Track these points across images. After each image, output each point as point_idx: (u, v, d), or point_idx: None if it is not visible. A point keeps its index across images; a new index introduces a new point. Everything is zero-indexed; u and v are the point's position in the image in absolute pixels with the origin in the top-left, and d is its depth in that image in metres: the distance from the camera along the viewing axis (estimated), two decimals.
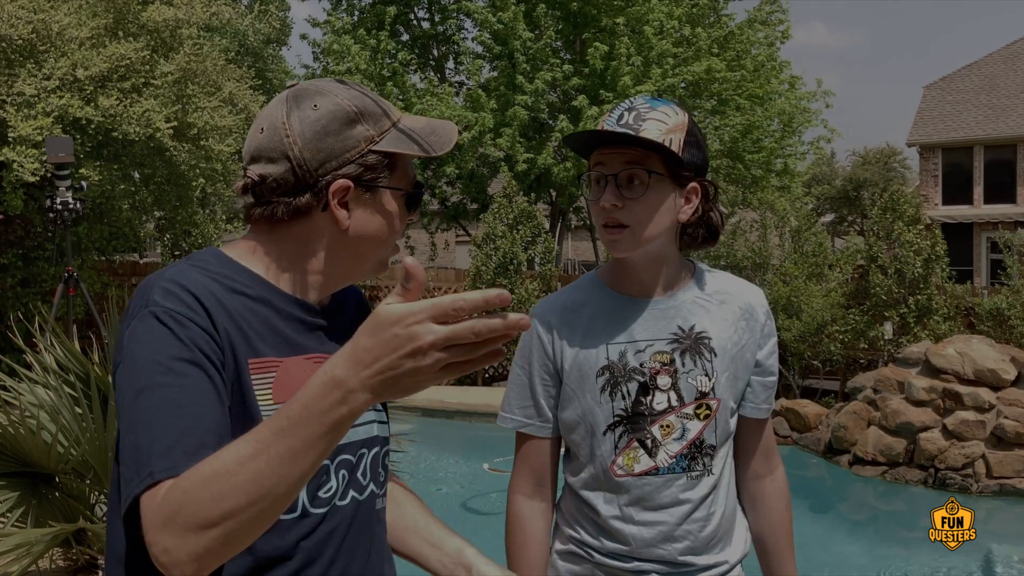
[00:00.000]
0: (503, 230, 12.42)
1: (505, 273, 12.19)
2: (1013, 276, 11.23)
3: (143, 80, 9.33)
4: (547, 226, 16.15)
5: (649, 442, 1.76)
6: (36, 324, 4.82)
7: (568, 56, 18.31)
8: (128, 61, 9.02)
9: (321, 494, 1.32)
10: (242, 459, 1.01)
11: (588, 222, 20.97)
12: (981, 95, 26.87)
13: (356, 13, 19.00)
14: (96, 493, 4.31)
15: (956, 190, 26.05)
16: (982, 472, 7.53)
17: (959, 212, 25.12)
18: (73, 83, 8.80)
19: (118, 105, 8.85)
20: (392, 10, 17.87)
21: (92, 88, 8.92)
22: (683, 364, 1.76)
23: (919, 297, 10.48)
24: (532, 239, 12.79)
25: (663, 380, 1.75)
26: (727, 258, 12.58)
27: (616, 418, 1.76)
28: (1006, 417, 7.54)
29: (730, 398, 1.79)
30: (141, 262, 12.97)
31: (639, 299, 1.80)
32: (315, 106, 1.32)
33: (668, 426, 1.76)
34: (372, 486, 1.40)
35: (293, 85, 1.39)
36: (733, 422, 1.82)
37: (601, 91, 16.65)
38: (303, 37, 19.15)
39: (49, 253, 9.75)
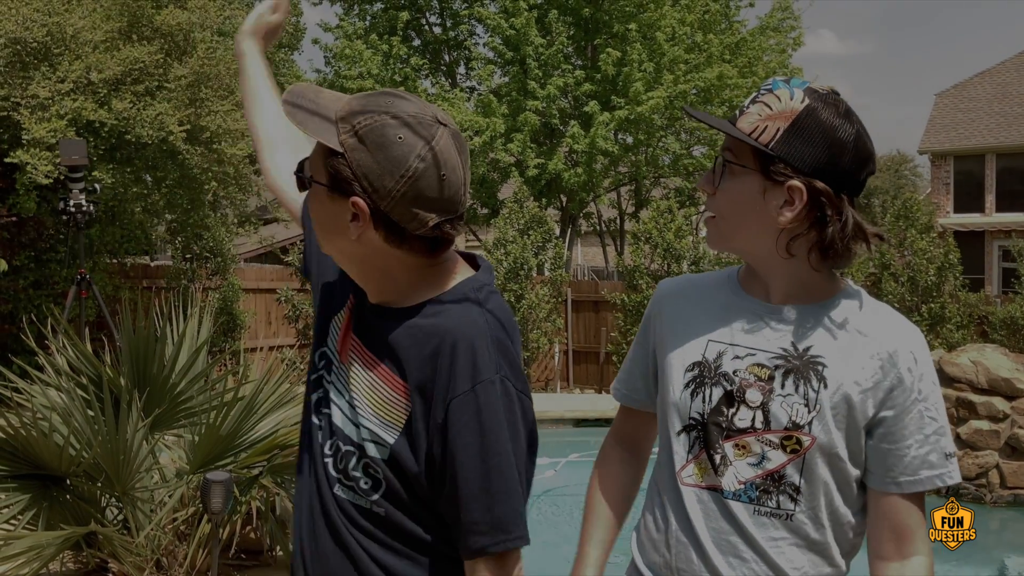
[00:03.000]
0: (514, 235, 12.40)
1: (516, 278, 12.17)
2: (1022, 285, 11.17)
3: (156, 83, 9.35)
4: (557, 231, 16.13)
5: (718, 458, 1.56)
6: (48, 326, 4.82)
7: (580, 62, 18.30)
8: (142, 64, 9.04)
9: (312, 427, 1.56)
10: None
11: (598, 227, 20.95)
12: (993, 103, 26.75)
13: (368, 18, 19.03)
14: (107, 496, 4.30)
15: (968, 198, 25.92)
16: (996, 482, 7.47)
17: (971, 220, 25.00)
18: (87, 86, 8.82)
19: (131, 108, 8.87)
20: (404, 15, 17.89)
21: (106, 91, 8.94)
22: (782, 386, 1.52)
23: (932, 305, 10.43)
24: (542, 244, 12.76)
25: (752, 395, 1.53)
26: (739, 263, 12.55)
27: (691, 420, 1.59)
28: (1020, 427, 7.48)
29: (836, 444, 1.51)
30: (152, 265, 12.98)
31: (760, 303, 1.59)
32: None
33: (744, 447, 1.54)
34: (330, 463, 1.52)
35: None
36: (840, 475, 1.54)
37: (613, 97, 16.63)
38: (315, 42, 19.19)
39: (61, 255, 9.77)
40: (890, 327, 1.55)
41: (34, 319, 6.26)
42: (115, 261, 11.17)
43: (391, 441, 1.42)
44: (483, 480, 1.39)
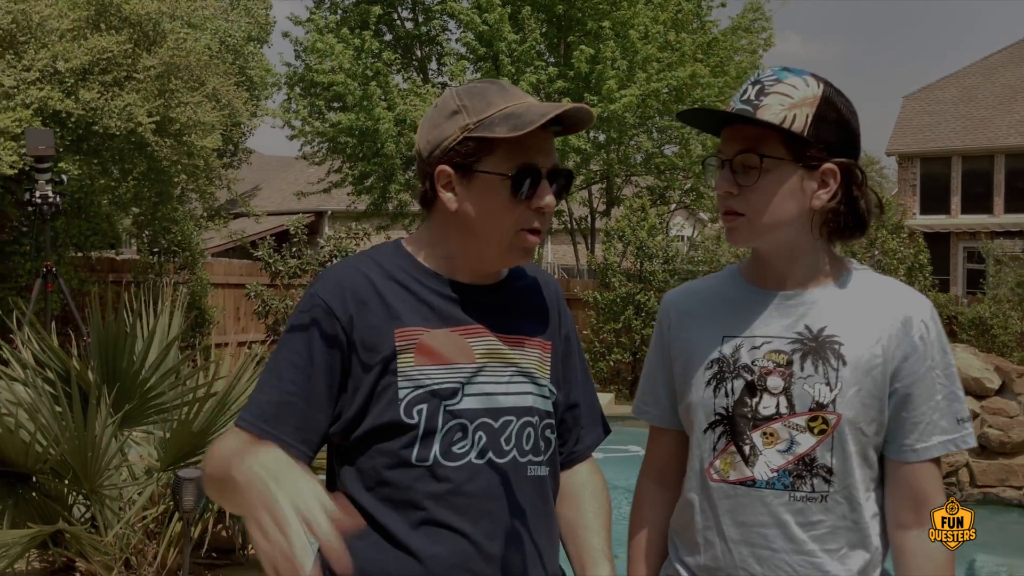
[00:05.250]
0: None
1: None
2: (990, 285, 11.31)
3: (125, 74, 9.19)
4: None
5: (747, 449, 1.56)
6: (13, 319, 4.70)
7: (553, 59, 18.27)
8: (110, 54, 8.89)
9: (455, 449, 1.47)
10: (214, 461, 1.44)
11: (569, 226, 20.95)
12: (959, 106, 27.09)
13: (339, 12, 18.86)
14: (74, 494, 4.20)
15: (934, 200, 26.23)
16: (966, 481, 7.54)
17: (936, 222, 25.30)
18: (53, 75, 8.65)
19: (99, 98, 8.72)
20: (376, 9, 17.75)
21: (73, 81, 8.78)
22: (802, 368, 1.54)
23: None
24: None
25: (774, 382, 1.54)
26: (709, 263, 12.59)
27: (716, 416, 1.59)
28: (990, 426, 7.55)
29: (861, 419, 1.52)
30: (118, 258, 12.77)
31: (769, 292, 1.61)
32: (436, 106, 1.54)
33: (772, 434, 1.54)
34: (515, 452, 1.52)
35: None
36: (867, 450, 1.56)
37: (586, 94, 16.63)
38: (285, 35, 18.98)
39: (25, 248, 9.58)
40: (900, 298, 1.58)
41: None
42: (81, 254, 10.98)
43: (556, 390, 1.62)
44: (590, 383, 1.74)
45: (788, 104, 1.52)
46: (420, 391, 1.47)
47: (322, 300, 1.48)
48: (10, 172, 8.08)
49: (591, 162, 18.08)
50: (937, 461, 1.58)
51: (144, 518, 4.12)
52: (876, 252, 10.96)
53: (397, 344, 1.47)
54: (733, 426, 1.58)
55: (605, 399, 10.68)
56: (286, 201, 22.79)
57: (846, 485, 1.54)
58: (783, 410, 1.54)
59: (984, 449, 7.55)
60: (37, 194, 7.06)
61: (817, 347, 1.54)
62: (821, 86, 1.55)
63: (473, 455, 1.48)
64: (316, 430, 1.49)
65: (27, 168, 7.79)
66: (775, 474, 1.55)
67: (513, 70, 16.79)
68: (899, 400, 1.55)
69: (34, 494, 4.04)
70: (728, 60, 18.45)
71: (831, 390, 1.52)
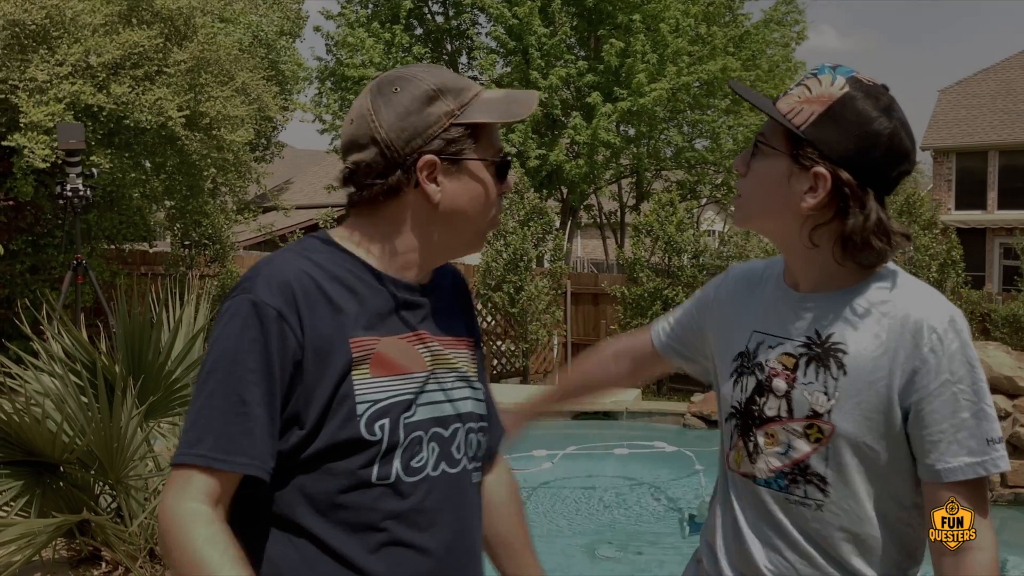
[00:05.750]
0: (514, 226, 12.33)
1: (515, 269, 12.11)
2: None
3: (156, 68, 9.29)
4: (557, 223, 16.08)
5: (751, 446, 1.57)
6: (44, 311, 4.76)
7: (583, 53, 18.22)
8: (141, 48, 8.98)
9: (413, 464, 1.40)
10: None
11: (598, 220, 20.90)
12: (997, 100, 26.66)
13: (370, 6, 18.93)
14: (100, 484, 4.25)
15: (969, 195, 25.84)
16: (996, 481, 7.43)
17: (972, 217, 24.93)
18: (86, 70, 8.76)
19: (130, 93, 8.81)
20: (407, 3, 17.80)
21: (105, 75, 8.88)
22: (804, 374, 1.51)
23: None
24: (543, 236, 12.70)
25: (779, 384, 1.53)
26: (739, 259, 12.50)
27: (732, 409, 1.61)
28: (1022, 425, 7.43)
29: (863, 433, 1.46)
30: (151, 251, 12.91)
31: (792, 291, 1.58)
32: (396, 90, 1.41)
33: (773, 436, 1.53)
34: (464, 460, 1.47)
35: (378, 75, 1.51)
36: (875, 465, 1.49)
37: (615, 88, 16.56)
38: (317, 29, 19.09)
39: (58, 240, 9.72)
40: (915, 307, 1.47)
41: (29, 304, 6.19)
42: (113, 247, 11.11)
43: (483, 389, 1.57)
44: (485, 374, 1.65)
45: (804, 98, 1.48)
46: (379, 405, 1.37)
47: (271, 305, 1.33)
48: (43, 166, 8.20)
49: (621, 156, 18.02)
50: (972, 484, 1.45)
51: None
52: (909, 249, 10.83)
53: (354, 355, 1.36)
54: (743, 422, 1.59)
55: (631, 395, 10.63)
56: (317, 195, 22.92)
57: (844, 496, 1.49)
58: (783, 413, 1.52)
59: (1016, 449, 7.43)
60: (68, 187, 7.15)
61: (822, 354, 1.50)
62: (847, 87, 1.47)
63: (430, 468, 1.42)
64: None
65: (59, 162, 7.90)
66: (772, 475, 1.54)
67: (543, 63, 16.76)
68: (914, 417, 1.46)
69: (61, 484, 4.08)
70: (760, 53, 18.31)
71: (828, 399, 1.48)
